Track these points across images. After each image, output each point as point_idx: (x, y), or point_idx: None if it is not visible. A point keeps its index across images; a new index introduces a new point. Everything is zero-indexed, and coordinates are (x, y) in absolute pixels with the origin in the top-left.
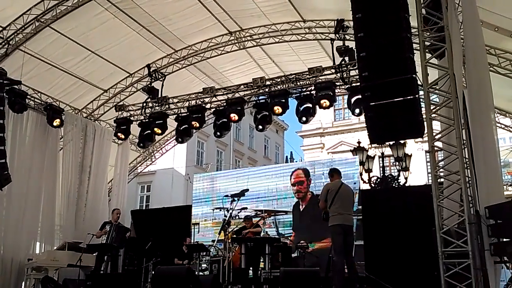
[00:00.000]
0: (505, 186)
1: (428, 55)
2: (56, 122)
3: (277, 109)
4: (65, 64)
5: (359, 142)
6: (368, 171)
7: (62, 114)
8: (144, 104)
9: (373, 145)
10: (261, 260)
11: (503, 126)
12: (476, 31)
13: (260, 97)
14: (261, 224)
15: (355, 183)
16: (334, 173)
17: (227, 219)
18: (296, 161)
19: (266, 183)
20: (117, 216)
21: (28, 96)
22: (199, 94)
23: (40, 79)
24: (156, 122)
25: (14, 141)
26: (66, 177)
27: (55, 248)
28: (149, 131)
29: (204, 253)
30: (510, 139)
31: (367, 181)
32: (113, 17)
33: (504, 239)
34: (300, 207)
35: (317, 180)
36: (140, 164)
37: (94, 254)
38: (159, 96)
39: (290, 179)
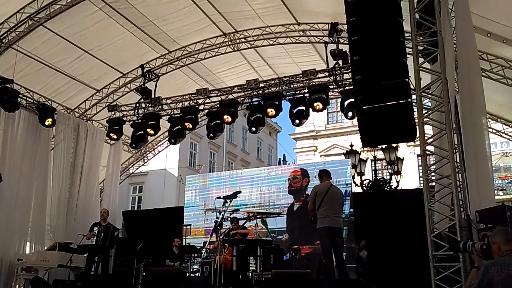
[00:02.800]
0: (496, 191)
1: (421, 60)
2: (48, 121)
3: (271, 111)
4: (58, 64)
5: (351, 145)
6: (361, 174)
7: (54, 113)
8: (137, 105)
9: (365, 149)
10: (253, 262)
11: (494, 131)
12: (469, 36)
13: (254, 99)
14: (253, 226)
15: (347, 185)
16: (324, 174)
17: (219, 221)
18: (289, 164)
19: (259, 186)
20: (102, 215)
21: (20, 95)
22: (193, 95)
23: (33, 78)
24: (149, 122)
25: (5, 140)
26: (58, 177)
27: (45, 248)
28: (142, 132)
29: (196, 255)
30: (501, 144)
31: (359, 184)
32: (107, 17)
33: None
34: (294, 207)
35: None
36: (132, 164)
37: (85, 255)
38: (152, 96)
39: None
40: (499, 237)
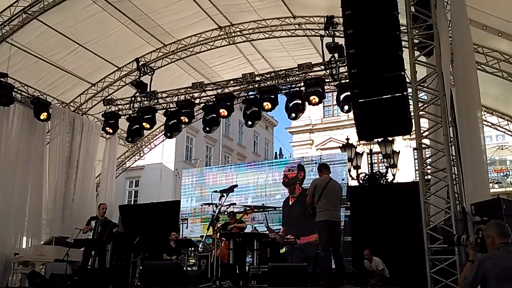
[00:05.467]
0: (491, 184)
1: (416, 53)
2: (43, 115)
3: (267, 105)
4: (53, 57)
5: (347, 139)
6: (357, 167)
7: (49, 107)
8: (133, 99)
9: (361, 142)
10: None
11: (489, 124)
12: (464, 30)
13: (250, 93)
14: (249, 220)
15: (343, 180)
16: (323, 168)
17: (215, 214)
18: (285, 157)
19: (255, 178)
20: (103, 211)
21: (15, 89)
22: (188, 89)
23: (27, 71)
24: (145, 116)
25: (0, 134)
26: (53, 171)
27: (42, 242)
28: (138, 126)
29: (192, 249)
30: (496, 137)
31: (355, 178)
32: (101, 10)
33: None
34: (290, 201)
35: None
36: (128, 159)
37: (82, 249)
38: (148, 90)
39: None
40: (493, 230)
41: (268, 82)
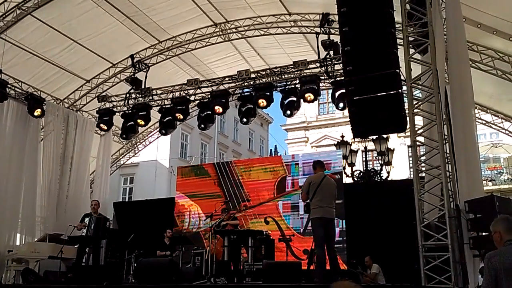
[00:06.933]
0: (484, 181)
1: (411, 51)
2: (37, 112)
3: (262, 102)
4: (47, 53)
5: (342, 136)
6: (351, 165)
7: (43, 104)
8: (127, 95)
9: (356, 139)
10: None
11: (484, 122)
12: (459, 28)
13: (245, 90)
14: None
15: (338, 177)
16: (317, 165)
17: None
18: (280, 155)
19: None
20: (94, 207)
21: (9, 85)
22: (183, 86)
23: (21, 68)
24: (140, 113)
25: None
26: (47, 168)
27: (36, 239)
28: (132, 123)
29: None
30: (490, 134)
31: (350, 175)
32: (96, 6)
33: (483, 233)
34: None
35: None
36: (123, 155)
37: (76, 246)
38: (143, 87)
39: None
40: (501, 226)
41: (264, 79)
